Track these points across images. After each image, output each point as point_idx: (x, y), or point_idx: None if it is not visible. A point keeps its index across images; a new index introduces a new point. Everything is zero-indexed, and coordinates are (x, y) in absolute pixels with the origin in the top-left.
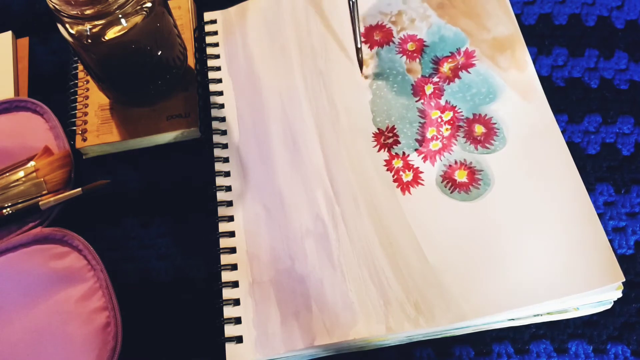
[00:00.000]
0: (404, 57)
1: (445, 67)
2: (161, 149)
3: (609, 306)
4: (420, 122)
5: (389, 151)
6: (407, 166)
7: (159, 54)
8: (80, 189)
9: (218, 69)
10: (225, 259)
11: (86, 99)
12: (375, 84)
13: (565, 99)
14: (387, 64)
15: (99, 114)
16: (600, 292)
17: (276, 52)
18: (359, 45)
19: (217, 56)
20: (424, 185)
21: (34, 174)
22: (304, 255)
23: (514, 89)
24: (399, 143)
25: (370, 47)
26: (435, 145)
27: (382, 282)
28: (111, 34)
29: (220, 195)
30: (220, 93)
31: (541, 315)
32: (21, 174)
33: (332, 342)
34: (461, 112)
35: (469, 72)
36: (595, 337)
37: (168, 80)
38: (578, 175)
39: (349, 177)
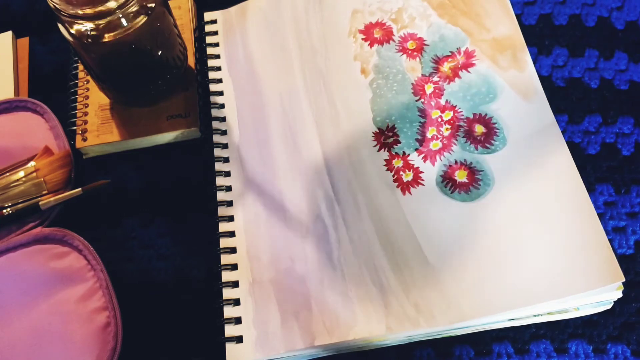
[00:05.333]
0: (404, 55)
1: (446, 67)
2: (161, 149)
3: (609, 306)
4: (420, 122)
5: (389, 151)
6: (407, 166)
7: (159, 54)
8: (80, 189)
9: (218, 69)
10: (225, 259)
11: (86, 99)
12: (375, 82)
13: (565, 99)
14: (387, 63)
15: (99, 114)
16: (600, 292)
17: (276, 52)
18: None
19: (217, 56)
20: (424, 185)
21: (34, 174)
22: (304, 256)
23: (514, 88)
24: (399, 143)
25: (370, 45)
26: (435, 145)
27: (382, 282)
28: (111, 34)
29: (220, 195)
30: (221, 93)
31: (541, 315)
32: (21, 174)
33: (332, 342)
34: (461, 111)
35: (469, 72)
36: (595, 337)
37: (168, 80)
38: (578, 175)
39: (349, 177)
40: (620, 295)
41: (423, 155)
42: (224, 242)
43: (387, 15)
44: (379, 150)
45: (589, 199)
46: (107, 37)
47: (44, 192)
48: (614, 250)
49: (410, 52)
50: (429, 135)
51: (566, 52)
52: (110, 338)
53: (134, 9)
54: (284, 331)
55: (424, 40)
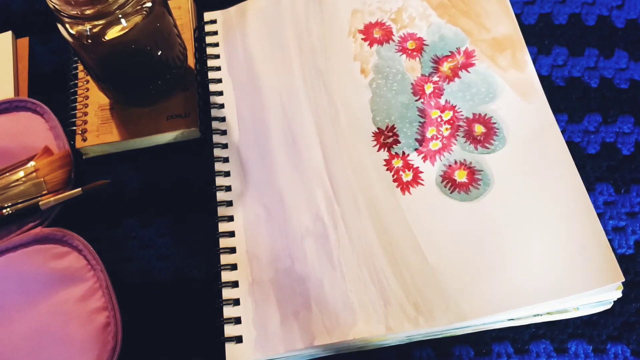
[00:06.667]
0: (404, 55)
1: (445, 67)
2: (161, 149)
3: (608, 306)
4: (420, 122)
5: (388, 151)
6: (407, 166)
7: (159, 54)
8: (80, 189)
9: (218, 69)
10: (225, 259)
11: (86, 99)
12: (375, 82)
13: (565, 99)
14: (386, 62)
15: (99, 114)
16: (600, 292)
17: (276, 52)
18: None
19: (217, 56)
20: (423, 185)
21: (34, 174)
22: (303, 255)
23: (513, 88)
24: (399, 143)
25: (370, 45)
26: (435, 145)
27: (382, 282)
28: (111, 34)
29: (220, 195)
30: (220, 93)
31: (541, 315)
32: (21, 174)
33: (332, 342)
34: (461, 111)
35: (468, 72)
36: (595, 337)
37: (168, 80)
38: (578, 175)
39: (349, 177)
40: (620, 295)
41: (423, 155)
42: (224, 242)
43: (387, 15)
44: (378, 150)
45: (589, 199)
46: (107, 37)
47: (44, 192)
48: (614, 250)
49: (409, 52)
50: (428, 135)
51: (566, 52)
52: (110, 338)
53: (134, 9)
54: (284, 331)
55: (424, 40)
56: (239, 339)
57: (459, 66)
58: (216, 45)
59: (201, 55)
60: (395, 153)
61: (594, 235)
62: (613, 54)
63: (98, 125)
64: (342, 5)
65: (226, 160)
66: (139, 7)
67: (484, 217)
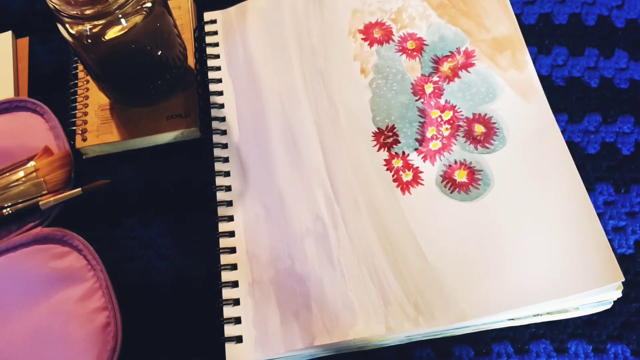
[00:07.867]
0: (404, 55)
1: (445, 67)
2: (161, 149)
3: (608, 306)
4: (420, 122)
5: (388, 151)
6: (407, 166)
7: (159, 54)
8: (80, 189)
9: (218, 68)
10: (225, 258)
11: (86, 99)
12: (375, 82)
13: (565, 99)
14: (386, 62)
15: (99, 114)
16: (600, 292)
17: (276, 52)
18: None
19: (217, 56)
20: (423, 185)
21: (34, 174)
22: (303, 255)
23: (513, 88)
24: (399, 142)
25: (370, 45)
26: (435, 145)
27: (382, 282)
28: (111, 34)
29: (220, 195)
30: (220, 93)
31: (541, 315)
32: (21, 174)
33: (332, 342)
34: (461, 111)
35: (468, 72)
36: (595, 337)
37: (168, 80)
38: (578, 175)
39: (349, 177)
40: (620, 295)
41: (423, 155)
42: (224, 242)
43: (387, 15)
44: (378, 150)
45: (589, 199)
46: (107, 37)
47: (44, 192)
48: (614, 250)
49: (409, 52)
50: (428, 135)
51: (566, 52)
52: (110, 338)
53: (134, 9)
54: (284, 331)
55: (424, 40)
56: (239, 339)
57: (459, 66)
58: (216, 45)
59: (201, 55)
60: (395, 153)
61: (594, 235)
62: (613, 54)
63: (98, 125)
64: (342, 5)
65: (226, 160)
66: (139, 7)
67: (484, 217)
